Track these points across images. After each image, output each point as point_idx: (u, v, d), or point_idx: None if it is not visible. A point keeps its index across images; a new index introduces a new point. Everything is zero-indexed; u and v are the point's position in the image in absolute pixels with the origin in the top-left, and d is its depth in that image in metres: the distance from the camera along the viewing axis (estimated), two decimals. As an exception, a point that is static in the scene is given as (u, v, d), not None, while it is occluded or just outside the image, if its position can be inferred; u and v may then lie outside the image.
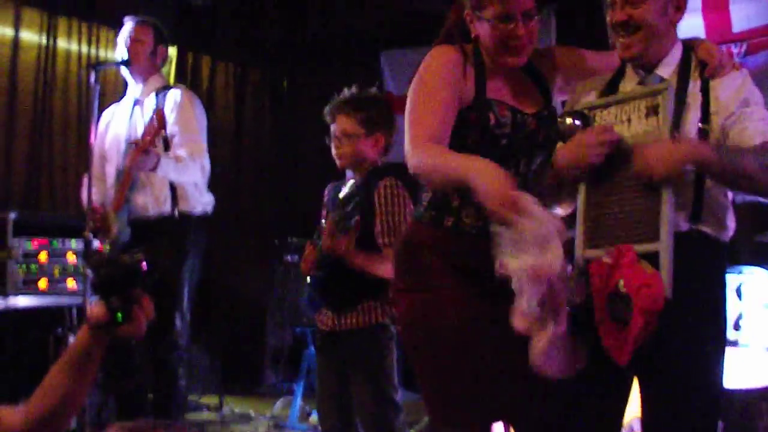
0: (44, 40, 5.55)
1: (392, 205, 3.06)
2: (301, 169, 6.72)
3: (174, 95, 3.89)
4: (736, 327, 3.60)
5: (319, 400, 3.26)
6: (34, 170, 5.49)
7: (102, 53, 5.82)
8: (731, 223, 2.27)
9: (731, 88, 2.20)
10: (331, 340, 3.12)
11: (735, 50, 4.68)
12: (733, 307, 3.60)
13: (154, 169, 3.61)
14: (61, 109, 5.64)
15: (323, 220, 3.18)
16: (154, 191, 3.79)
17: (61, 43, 5.67)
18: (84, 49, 5.75)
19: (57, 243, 4.58)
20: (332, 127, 3.16)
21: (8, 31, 5.38)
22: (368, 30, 6.16)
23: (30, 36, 5.52)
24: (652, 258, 2.06)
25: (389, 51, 6.41)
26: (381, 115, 3.18)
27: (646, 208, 2.13)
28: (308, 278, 3.17)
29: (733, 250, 2.51)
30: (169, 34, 4.17)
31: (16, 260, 4.35)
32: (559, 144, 2.31)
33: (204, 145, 3.88)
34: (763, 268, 3.81)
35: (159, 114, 3.58)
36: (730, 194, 2.27)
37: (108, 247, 3.65)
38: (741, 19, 4.72)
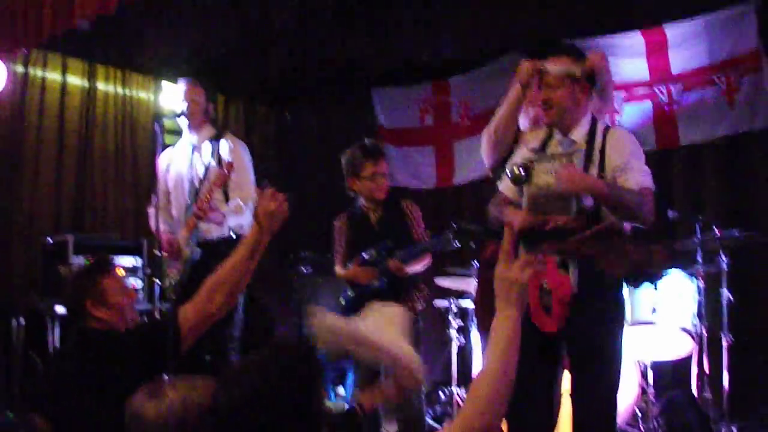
0: (86, 85, 6.33)
1: (419, 217, 4.17)
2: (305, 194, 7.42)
3: (226, 143, 4.62)
4: (653, 311, 4.60)
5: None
6: (79, 198, 6.24)
7: (134, 95, 6.62)
8: None
9: (619, 149, 3.06)
10: None
11: (674, 89, 5.51)
12: (650, 297, 4.63)
13: (221, 224, 4.45)
14: (101, 145, 6.40)
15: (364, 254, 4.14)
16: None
17: (100, 87, 6.45)
18: (120, 91, 6.54)
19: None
20: (376, 167, 4.14)
21: (57, 77, 6.18)
22: (362, 69, 6.73)
23: (75, 81, 6.30)
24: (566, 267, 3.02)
25: (380, 88, 7.04)
26: None
27: None
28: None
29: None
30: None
31: (76, 274, 5.11)
32: None
33: (253, 189, 4.58)
34: (677, 268, 4.72)
35: (229, 166, 4.36)
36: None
37: (183, 265, 4.40)
38: (678, 62, 5.52)
